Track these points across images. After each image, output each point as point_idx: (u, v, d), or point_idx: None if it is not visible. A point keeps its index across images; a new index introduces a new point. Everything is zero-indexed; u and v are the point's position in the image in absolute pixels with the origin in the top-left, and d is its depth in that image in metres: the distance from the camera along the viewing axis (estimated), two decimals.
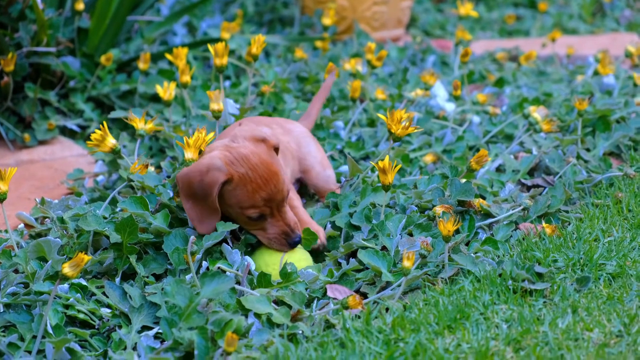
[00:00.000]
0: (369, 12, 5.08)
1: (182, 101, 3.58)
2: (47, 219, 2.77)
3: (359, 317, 2.17)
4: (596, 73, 4.02)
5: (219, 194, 2.36)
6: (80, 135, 3.63)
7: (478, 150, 3.24)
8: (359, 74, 3.85)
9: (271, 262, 2.41)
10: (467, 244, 2.55)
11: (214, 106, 2.79)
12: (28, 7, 3.50)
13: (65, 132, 3.65)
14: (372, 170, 2.86)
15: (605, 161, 3.10)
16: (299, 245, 2.46)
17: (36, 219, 2.78)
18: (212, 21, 4.93)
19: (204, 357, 2.02)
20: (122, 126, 3.55)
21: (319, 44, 4.59)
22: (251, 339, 2.10)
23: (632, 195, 2.79)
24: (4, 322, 2.18)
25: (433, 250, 2.43)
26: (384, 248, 2.50)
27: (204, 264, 2.36)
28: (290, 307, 2.22)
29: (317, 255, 2.55)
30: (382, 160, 2.54)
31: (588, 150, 3.23)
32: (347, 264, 2.44)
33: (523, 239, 2.55)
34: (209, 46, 3.05)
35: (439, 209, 2.59)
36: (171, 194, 2.58)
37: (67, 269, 2.05)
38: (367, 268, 2.41)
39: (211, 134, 2.56)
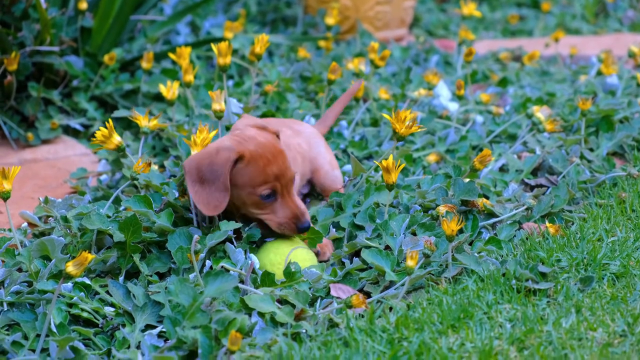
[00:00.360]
0: (372, 11, 5.08)
1: (185, 100, 3.58)
2: (50, 218, 2.77)
3: (363, 316, 2.17)
4: (599, 73, 4.02)
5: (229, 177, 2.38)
6: (83, 135, 3.64)
7: (481, 149, 3.24)
8: (362, 74, 3.85)
9: (275, 261, 2.41)
10: (470, 244, 2.55)
11: (216, 106, 2.80)
12: (31, 6, 3.50)
13: (69, 131, 3.65)
14: (376, 169, 2.86)
15: (608, 161, 3.10)
16: (304, 246, 2.46)
17: (40, 218, 2.78)
18: (215, 20, 4.94)
19: (208, 356, 2.02)
20: (125, 125, 3.55)
21: (322, 43, 4.59)
22: (255, 337, 2.10)
23: (635, 195, 2.79)
24: (8, 321, 2.18)
25: (436, 249, 2.42)
26: (387, 247, 2.50)
27: (208, 262, 2.36)
28: (293, 306, 2.22)
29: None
30: (386, 159, 2.55)
31: (591, 150, 3.23)
32: (351, 263, 2.44)
33: (526, 238, 2.54)
34: (212, 45, 3.05)
35: (442, 209, 2.59)
36: (176, 194, 2.59)
37: (70, 267, 2.05)
38: (371, 267, 2.41)
39: (214, 132, 2.56)
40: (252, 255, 2.39)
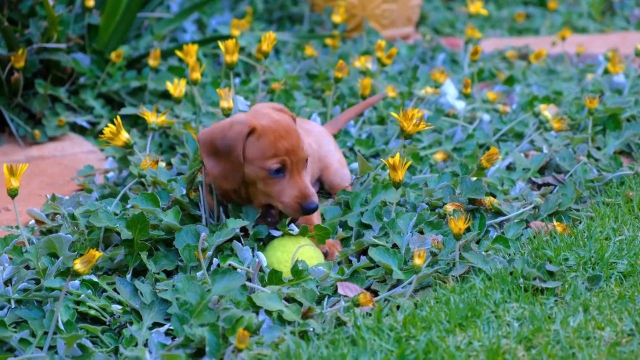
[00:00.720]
0: (379, 9, 5.08)
1: (192, 98, 3.58)
2: (58, 215, 2.78)
3: (370, 314, 2.17)
4: (606, 72, 4.02)
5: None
6: (90, 132, 3.64)
7: (488, 148, 3.24)
8: (369, 72, 3.85)
9: (283, 259, 2.41)
10: (477, 242, 2.54)
11: (224, 104, 2.80)
12: (38, 4, 3.51)
13: (75, 128, 3.65)
14: (383, 167, 2.86)
15: (615, 160, 3.10)
16: (311, 243, 2.46)
17: (47, 215, 2.79)
18: (222, 18, 4.94)
19: (215, 354, 2.02)
20: (132, 123, 3.56)
21: (328, 41, 4.59)
22: (262, 336, 2.10)
23: None
24: (16, 318, 2.18)
25: (444, 248, 2.42)
26: (394, 246, 2.50)
27: (215, 260, 2.37)
28: (301, 304, 2.22)
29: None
30: (393, 157, 2.55)
31: (598, 148, 3.23)
32: (358, 261, 2.44)
33: (534, 237, 2.54)
34: (219, 43, 3.05)
35: (449, 207, 2.59)
36: (184, 191, 2.59)
37: (78, 265, 2.05)
38: (378, 266, 2.41)
39: None
40: (259, 253, 2.39)
